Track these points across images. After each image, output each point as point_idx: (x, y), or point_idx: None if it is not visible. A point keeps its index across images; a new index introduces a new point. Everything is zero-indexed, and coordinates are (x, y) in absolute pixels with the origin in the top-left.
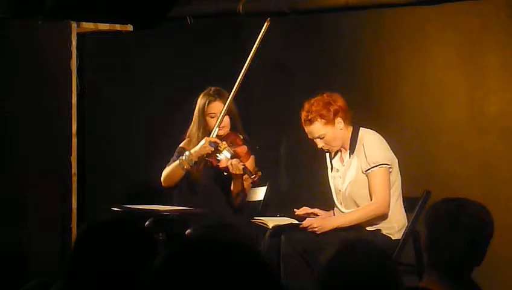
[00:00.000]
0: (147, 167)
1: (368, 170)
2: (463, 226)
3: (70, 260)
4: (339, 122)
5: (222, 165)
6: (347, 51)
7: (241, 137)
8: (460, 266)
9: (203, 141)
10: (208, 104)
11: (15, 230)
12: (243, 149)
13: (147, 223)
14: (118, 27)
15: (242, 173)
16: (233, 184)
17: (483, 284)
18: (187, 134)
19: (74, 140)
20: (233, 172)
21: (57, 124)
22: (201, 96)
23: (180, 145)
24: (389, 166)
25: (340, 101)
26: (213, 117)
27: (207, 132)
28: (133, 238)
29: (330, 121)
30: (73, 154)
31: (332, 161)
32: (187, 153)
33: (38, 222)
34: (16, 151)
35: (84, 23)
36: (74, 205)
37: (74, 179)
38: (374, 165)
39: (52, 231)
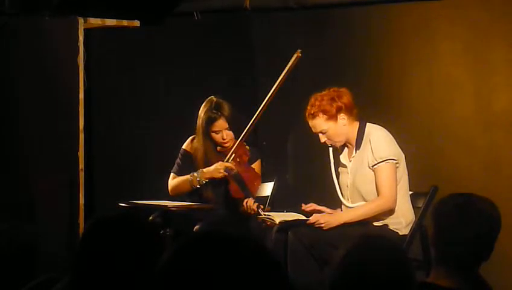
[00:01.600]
0: (154, 162)
1: (374, 165)
2: (470, 222)
3: (77, 255)
4: (342, 118)
5: (233, 194)
6: (354, 47)
7: (247, 147)
8: (468, 261)
9: (218, 165)
10: (211, 122)
11: (23, 225)
12: (252, 175)
13: (150, 217)
14: (125, 23)
15: (255, 212)
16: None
17: (490, 280)
18: (193, 138)
19: (81, 136)
20: (248, 211)
21: (65, 120)
22: (203, 110)
23: (183, 147)
24: (395, 161)
25: (345, 98)
26: (218, 133)
27: (212, 144)
28: (139, 233)
29: (332, 117)
30: (80, 149)
31: (340, 156)
32: (199, 171)
33: (46, 217)
34: (24, 147)
35: (91, 18)
36: (82, 201)
37: (81, 175)
38: (381, 160)
39: (60, 226)
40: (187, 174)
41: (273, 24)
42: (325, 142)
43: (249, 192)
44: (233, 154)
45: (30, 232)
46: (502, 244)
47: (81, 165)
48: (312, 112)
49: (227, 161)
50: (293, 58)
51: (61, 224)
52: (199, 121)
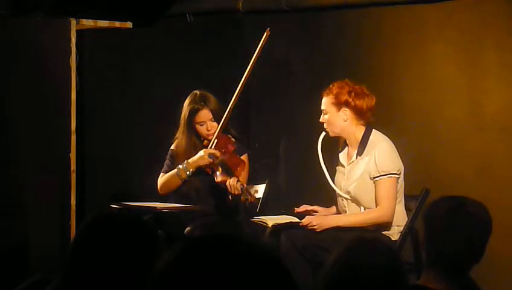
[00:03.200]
0: (146, 163)
1: (376, 177)
2: (461, 224)
3: (73, 249)
4: (344, 112)
5: (217, 180)
6: (346, 49)
7: (233, 139)
8: (459, 264)
9: (201, 152)
10: (195, 112)
11: (14, 226)
12: (236, 161)
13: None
14: (117, 24)
15: (240, 193)
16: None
17: (481, 282)
18: (175, 136)
19: (73, 137)
20: (232, 192)
21: (56, 121)
22: (187, 102)
23: (172, 148)
24: (398, 176)
25: (361, 101)
26: (202, 125)
27: (196, 138)
28: (138, 232)
29: (336, 105)
30: (72, 151)
31: (340, 154)
32: (185, 163)
33: (37, 218)
34: (16, 148)
35: (83, 20)
36: (73, 202)
37: (73, 176)
38: (384, 173)
39: (52, 227)
40: None
41: (265, 26)
42: (322, 122)
43: (234, 176)
44: (216, 141)
45: (21, 233)
46: (493, 247)
47: (73, 167)
48: (328, 89)
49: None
50: (263, 38)
51: (52, 225)
52: (182, 114)
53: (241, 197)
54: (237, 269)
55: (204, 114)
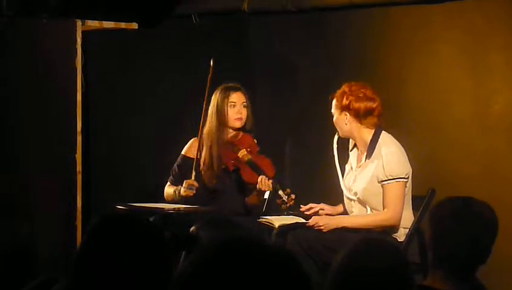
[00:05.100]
0: (151, 164)
1: (384, 181)
2: (468, 225)
3: (81, 252)
4: (345, 115)
5: (245, 177)
6: (352, 50)
7: (255, 140)
8: (465, 265)
9: (184, 183)
10: (229, 95)
11: (20, 228)
12: (267, 162)
13: (151, 219)
14: (122, 25)
15: (270, 189)
16: (255, 196)
17: (487, 283)
18: (199, 135)
19: (79, 138)
20: (262, 188)
21: (62, 122)
22: (218, 92)
23: (183, 153)
24: (406, 180)
25: (358, 104)
26: (234, 106)
27: (223, 126)
28: (145, 234)
29: (338, 108)
30: (78, 152)
31: (350, 152)
32: (179, 188)
33: (43, 219)
34: (21, 149)
35: (89, 21)
36: (79, 203)
37: (79, 177)
38: (391, 178)
39: (58, 228)
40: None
41: (271, 27)
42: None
43: (265, 175)
44: (241, 137)
45: (28, 234)
46: (499, 247)
47: (79, 168)
48: (334, 93)
49: (238, 149)
50: (210, 68)
51: (59, 226)
52: (212, 107)
53: (277, 201)
54: (262, 274)
55: (239, 96)
